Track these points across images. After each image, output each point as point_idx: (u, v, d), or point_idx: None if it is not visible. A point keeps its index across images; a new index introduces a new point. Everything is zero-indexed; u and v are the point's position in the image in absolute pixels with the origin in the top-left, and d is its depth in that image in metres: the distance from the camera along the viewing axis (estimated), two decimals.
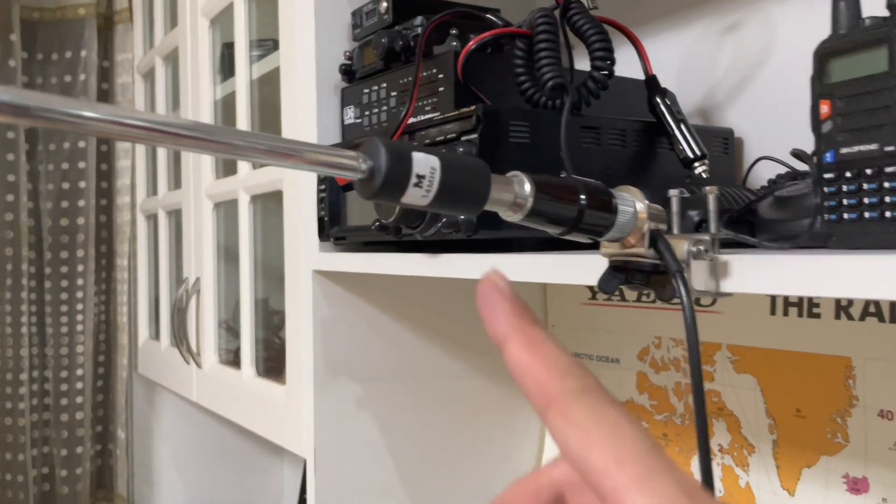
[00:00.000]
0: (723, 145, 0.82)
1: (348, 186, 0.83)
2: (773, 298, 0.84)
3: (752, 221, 0.61)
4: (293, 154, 0.35)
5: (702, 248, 0.45)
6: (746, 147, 0.84)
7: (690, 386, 0.92)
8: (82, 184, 1.59)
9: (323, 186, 0.90)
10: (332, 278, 0.94)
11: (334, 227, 0.88)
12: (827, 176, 0.50)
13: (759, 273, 0.44)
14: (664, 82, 0.77)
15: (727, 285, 0.45)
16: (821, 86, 0.51)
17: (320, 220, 0.90)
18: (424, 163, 0.36)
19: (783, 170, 0.76)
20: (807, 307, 0.80)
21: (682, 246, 0.45)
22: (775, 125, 0.82)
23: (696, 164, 0.72)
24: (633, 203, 0.44)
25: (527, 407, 1.11)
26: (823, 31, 0.78)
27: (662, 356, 0.96)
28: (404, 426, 1.00)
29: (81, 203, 1.59)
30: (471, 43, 0.71)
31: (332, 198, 0.88)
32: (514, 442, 1.10)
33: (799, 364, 0.82)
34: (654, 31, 0.94)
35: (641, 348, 0.99)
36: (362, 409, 0.97)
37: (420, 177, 0.36)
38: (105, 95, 1.63)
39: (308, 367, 0.94)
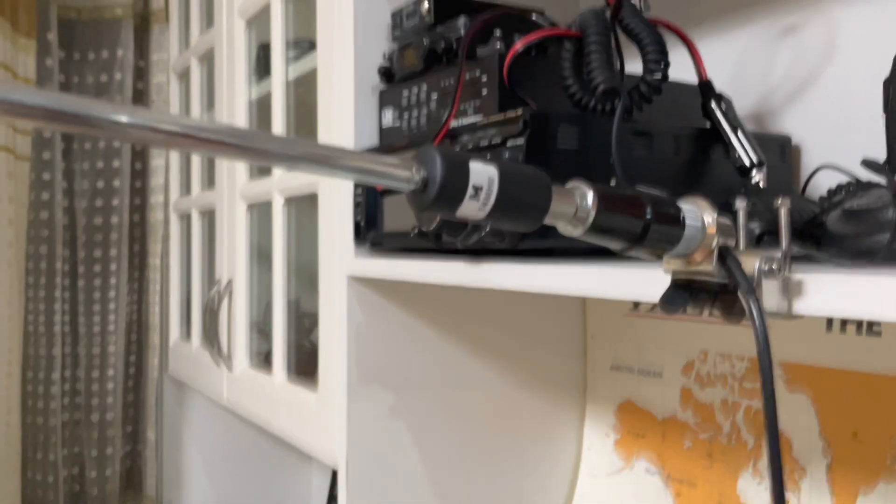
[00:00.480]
0: (779, 153, 0.78)
1: (387, 191, 0.80)
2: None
3: (818, 235, 0.57)
4: (341, 163, 0.32)
5: (774, 266, 0.41)
6: (804, 155, 0.80)
7: (740, 404, 0.89)
8: (116, 182, 1.58)
9: (360, 190, 0.87)
10: (367, 284, 0.92)
11: (370, 233, 0.86)
12: None
13: (836, 294, 0.41)
14: (717, 86, 0.73)
15: (801, 307, 0.42)
16: None
17: (356, 224, 0.88)
18: (482, 173, 0.34)
19: (844, 179, 0.72)
20: (867, 324, 0.76)
21: (752, 263, 0.42)
22: (835, 133, 0.78)
23: (754, 172, 0.69)
24: (700, 217, 0.41)
25: (564, 418, 1.08)
26: (888, 33, 0.74)
27: (709, 371, 0.92)
28: (438, 436, 0.98)
29: (115, 202, 1.59)
30: (518, 44, 0.68)
31: (368, 202, 0.86)
32: (550, 454, 1.07)
33: (856, 384, 0.77)
34: (706, 32, 0.90)
35: (686, 362, 0.95)
36: (395, 419, 0.95)
37: (477, 188, 0.33)
38: (140, 95, 1.63)
39: (341, 374, 0.92)
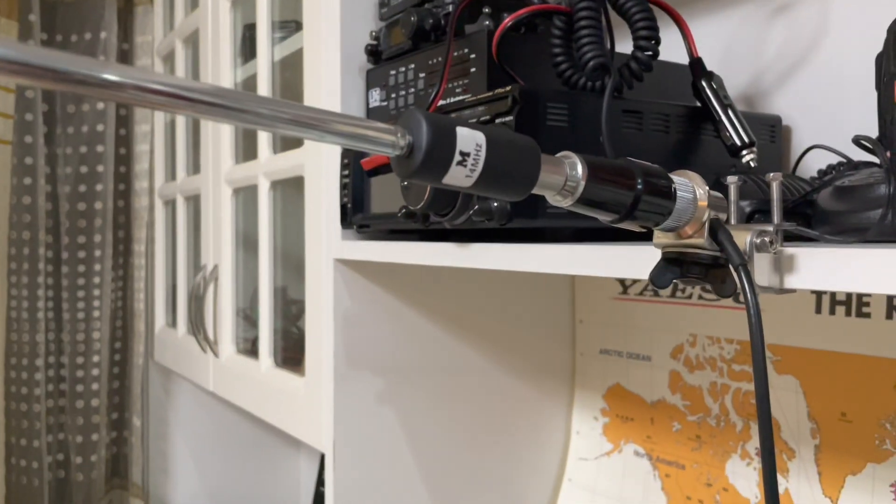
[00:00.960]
0: (769, 133, 0.77)
1: (374, 171, 0.79)
2: (820, 296, 0.79)
3: (809, 213, 0.57)
4: (324, 125, 0.31)
5: (766, 239, 0.41)
6: (795, 136, 0.80)
7: (729, 386, 0.88)
8: (100, 168, 1.56)
9: (346, 172, 0.86)
10: (355, 267, 0.91)
11: (357, 215, 0.85)
12: None
13: (828, 268, 0.40)
14: (709, 66, 0.72)
15: (793, 281, 0.41)
16: (895, 65, 0.46)
17: (343, 206, 0.86)
18: (470, 139, 0.33)
19: (835, 159, 0.72)
20: (856, 306, 0.76)
21: (744, 237, 0.41)
22: (826, 113, 0.77)
23: (744, 151, 0.68)
24: (692, 189, 0.41)
25: (553, 402, 1.08)
26: (883, 12, 0.74)
27: (697, 354, 0.92)
28: (427, 422, 0.97)
29: (99, 187, 1.57)
30: (507, 20, 0.67)
31: (355, 184, 0.85)
32: (539, 438, 1.07)
33: (845, 366, 0.77)
34: (699, 12, 0.89)
35: (675, 346, 0.95)
36: (384, 404, 0.94)
37: (464, 154, 0.32)
38: None
39: (328, 359, 0.91)
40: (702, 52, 0.74)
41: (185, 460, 1.66)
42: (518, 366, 1.04)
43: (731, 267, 0.40)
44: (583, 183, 0.36)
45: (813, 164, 0.76)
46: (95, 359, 1.57)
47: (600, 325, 1.06)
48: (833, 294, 0.78)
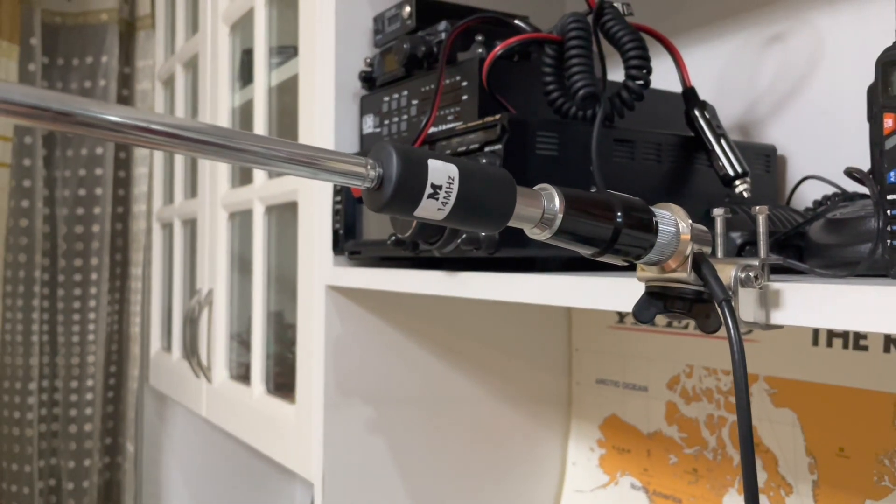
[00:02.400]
0: (765, 163, 0.77)
1: None
2: (817, 329, 0.78)
3: (801, 246, 0.56)
4: (291, 158, 0.30)
5: (751, 274, 0.40)
6: (790, 166, 0.79)
7: (725, 419, 0.87)
8: (99, 191, 1.56)
9: (339, 198, 0.85)
10: (346, 294, 0.90)
11: (349, 241, 0.84)
12: (891, 197, 0.44)
13: (815, 304, 0.39)
14: (702, 96, 0.72)
15: (779, 317, 0.40)
16: (885, 97, 0.46)
17: (335, 233, 0.86)
18: (442, 171, 0.32)
19: (830, 190, 0.71)
20: (853, 338, 0.75)
21: (728, 272, 0.40)
22: (821, 143, 0.76)
23: (738, 182, 0.67)
24: (675, 223, 0.40)
25: (549, 433, 1.06)
26: (875, 42, 0.73)
27: (694, 386, 0.91)
28: (419, 452, 0.95)
29: (97, 210, 1.57)
30: (497, 48, 0.67)
31: (347, 210, 0.84)
32: (534, 470, 1.05)
33: (843, 399, 0.76)
34: (692, 42, 0.89)
35: (672, 377, 0.94)
36: (375, 433, 0.93)
37: (436, 187, 0.32)
38: (125, 102, 1.61)
39: (318, 386, 0.90)
40: (696, 82, 0.74)
41: (178, 487, 1.64)
42: (513, 394, 1.03)
43: (715, 303, 0.39)
44: (560, 216, 0.35)
45: (809, 194, 0.75)
46: (90, 383, 1.55)
47: (597, 354, 1.05)
48: None
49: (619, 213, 0.37)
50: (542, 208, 0.35)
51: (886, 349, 0.72)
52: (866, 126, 0.61)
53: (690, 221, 0.40)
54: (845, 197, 0.62)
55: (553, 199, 0.35)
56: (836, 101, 0.75)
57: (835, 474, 0.76)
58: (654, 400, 0.96)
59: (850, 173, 0.54)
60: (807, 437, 0.79)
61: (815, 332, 0.78)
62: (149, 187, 1.62)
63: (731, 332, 0.37)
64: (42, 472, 1.53)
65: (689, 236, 0.40)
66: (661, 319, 0.95)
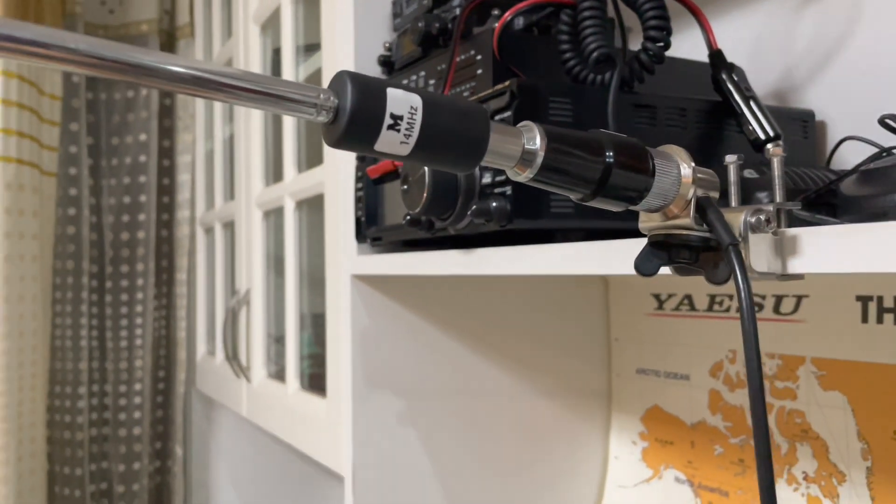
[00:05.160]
0: (802, 128, 0.72)
1: (380, 179, 0.77)
2: (866, 304, 0.73)
3: (834, 203, 0.52)
4: (240, 88, 0.29)
5: (762, 217, 0.36)
6: (830, 131, 0.74)
7: (772, 405, 0.82)
8: (143, 198, 1.59)
9: (360, 185, 0.84)
10: (372, 284, 0.88)
11: (371, 228, 0.82)
12: None
13: (837, 248, 0.35)
14: (736, 63, 0.68)
15: (796, 265, 0.37)
16: None
17: (357, 220, 0.84)
18: (402, 101, 0.30)
19: (873, 152, 0.66)
20: None
21: (738, 217, 0.37)
22: (862, 105, 0.72)
23: (770, 145, 0.63)
24: (676, 165, 0.37)
25: (589, 426, 1.02)
26: None
27: (738, 372, 0.86)
28: (451, 446, 0.93)
29: (142, 217, 1.59)
30: (507, 14, 0.64)
31: (368, 196, 0.82)
32: (574, 464, 1.01)
33: (895, 379, 0.70)
34: (722, 8, 0.85)
35: (714, 363, 0.89)
36: (405, 426, 0.90)
37: (396, 117, 0.29)
38: (167, 110, 1.64)
39: (347, 379, 0.88)
40: (729, 49, 0.70)
41: (227, 490, 1.65)
42: (550, 387, 0.99)
43: (721, 248, 0.35)
44: (541, 153, 0.32)
45: (850, 158, 0.70)
46: (138, 387, 1.58)
47: (636, 343, 1.00)
48: (881, 300, 0.72)
49: (609, 152, 0.34)
50: (521, 145, 0.33)
51: None
52: None
53: (693, 165, 0.37)
54: (882, 151, 0.58)
55: (533, 135, 0.33)
56: (875, 62, 0.70)
57: (890, 459, 0.71)
58: (696, 388, 0.92)
59: (884, 121, 0.50)
60: (858, 420, 0.73)
61: (865, 308, 0.73)
62: (192, 193, 1.64)
63: (739, 278, 0.34)
64: (93, 475, 1.56)
65: (690, 178, 0.36)
66: (701, 304, 0.91)
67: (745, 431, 0.85)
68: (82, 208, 1.52)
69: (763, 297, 0.82)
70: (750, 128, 0.64)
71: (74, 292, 1.51)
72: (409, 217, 0.68)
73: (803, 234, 0.37)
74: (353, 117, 0.28)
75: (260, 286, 1.24)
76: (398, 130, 0.29)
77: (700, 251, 0.37)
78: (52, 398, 1.50)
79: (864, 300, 0.73)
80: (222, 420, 1.66)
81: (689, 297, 0.93)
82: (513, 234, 0.62)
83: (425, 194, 0.60)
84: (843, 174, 0.52)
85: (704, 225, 0.37)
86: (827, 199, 0.52)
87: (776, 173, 0.39)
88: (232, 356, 1.29)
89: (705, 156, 0.67)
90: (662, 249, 0.38)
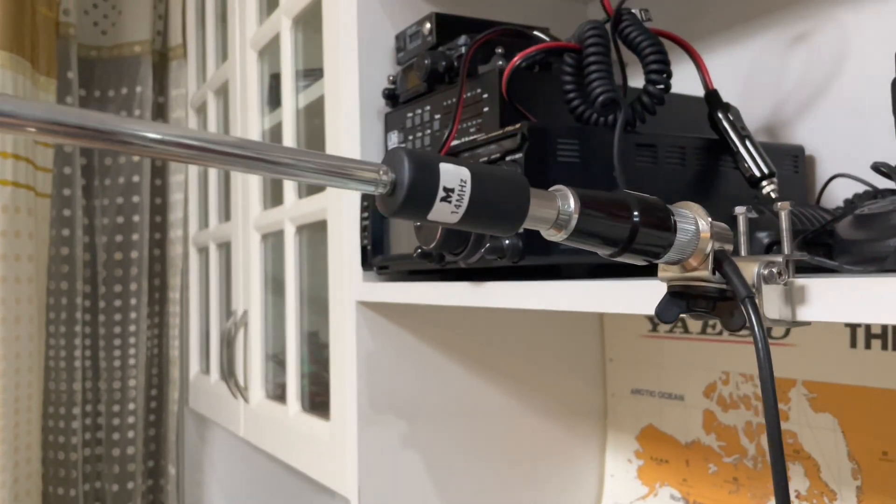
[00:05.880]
0: (793, 164, 0.76)
1: None
2: (854, 330, 0.76)
3: (830, 244, 0.55)
4: (304, 165, 0.31)
5: (774, 270, 0.39)
6: (819, 166, 0.78)
7: (765, 426, 0.85)
8: (136, 218, 1.60)
9: (366, 214, 0.86)
10: (377, 309, 0.91)
11: (377, 256, 0.85)
12: None
13: (842, 299, 0.38)
14: (728, 99, 0.71)
15: (805, 313, 0.40)
16: None
17: (363, 248, 0.86)
18: (453, 174, 0.32)
19: (861, 188, 0.69)
20: (892, 339, 0.73)
21: (751, 269, 0.40)
22: (851, 142, 0.75)
23: (764, 182, 0.66)
24: (694, 221, 0.39)
25: (585, 445, 1.05)
26: None
27: (731, 393, 0.89)
28: (453, 466, 0.95)
29: (136, 237, 1.60)
30: (516, 58, 0.67)
31: (375, 226, 0.85)
32: (571, 483, 1.04)
33: (884, 402, 0.74)
34: (714, 45, 0.88)
35: (708, 384, 0.92)
36: (409, 448, 0.93)
37: (448, 190, 0.32)
38: None
39: (352, 402, 0.90)
40: (720, 85, 0.74)
41: None
42: (548, 407, 1.02)
43: (738, 300, 0.38)
44: (576, 216, 0.35)
45: (839, 194, 0.74)
46: (131, 406, 1.58)
47: (631, 364, 1.03)
48: (868, 327, 0.75)
49: (635, 212, 0.37)
50: (556, 209, 0.35)
51: None
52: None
53: (710, 219, 0.40)
54: (875, 193, 0.61)
55: (568, 200, 0.35)
56: (864, 99, 0.74)
57: (879, 479, 0.74)
58: (691, 408, 0.95)
59: (878, 168, 0.53)
60: (849, 441, 0.77)
61: (853, 333, 0.76)
62: (184, 213, 1.65)
63: (756, 328, 0.37)
64: (87, 495, 1.56)
65: (709, 234, 0.39)
66: (694, 327, 0.94)
67: (739, 451, 0.88)
68: (76, 229, 1.53)
69: None
70: (746, 165, 0.68)
71: (68, 313, 1.52)
72: (420, 250, 0.70)
73: (811, 284, 0.40)
74: (411, 191, 0.31)
75: (258, 307, 1.25)
76: (450, 202, 0.32)
77: (717, 301, 0.40)
78: (45, 419, 1.50)
79: (852, 326, 0.76)
80: (215, 439, 1.67)
81: (682, 319, 0.97)
82: (518, 267, 0.64)
83: (439, 231, 0.62)
84: (839, 215, 0.55)
85: (721, 277, 0.39)
86: (823, 239, 0.55)
87: (784, 226, 0.42)
88: (229, 376, 1.31)
89: (703, 192, 0.70)
90: (681, 298, 0.41)
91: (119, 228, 1.60)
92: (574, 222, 0.35)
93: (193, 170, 1.65)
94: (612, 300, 0.52)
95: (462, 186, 0.32)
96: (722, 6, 0.88)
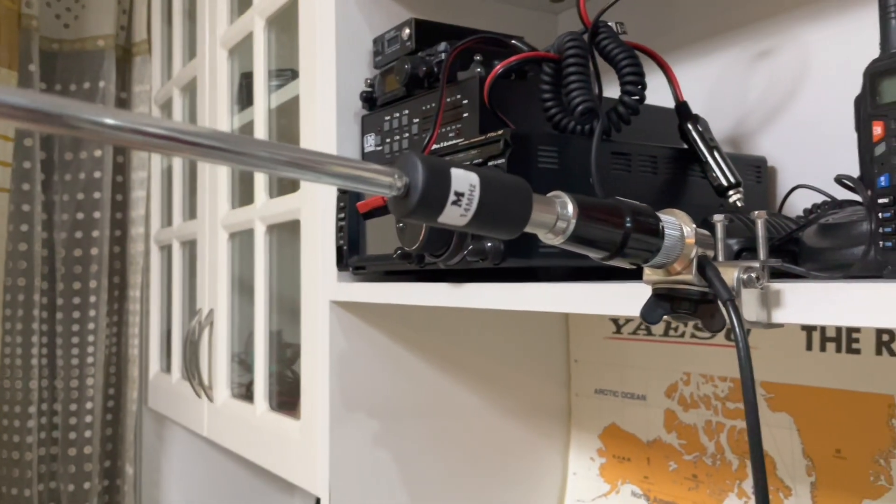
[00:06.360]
0: (755, 174, 0.79)
1: (369, 214, 0.81)
2: (810, 333, 0.80)
3: (795, 251, 0.58)
4: (322, 167, 0.32)
5: (753, 275, 0.42)
6: (780, 176, 0.82)
7: (723, 425, 0.89)
8: (97, 214, 1.57)
9: (342, 215, 0.87)
10: (350, 309, 0.92)
11: (353, 257, 0.86)
12: (882, 201, 0.47)
13: (814, 303, 0.41)
14: (695, 111, 0.75)
15: (779, 315, 0.42)
16: (872, 107, 0.48)
17: (339, 249, 0.88)
18: (464, 180, 0.34)
19: (819, 199, 0.73)
20: (846, 342, 0.77)
21: (731, 273, 0.42)
22: (810, 153, 0.79)
23: (731, 192, 0.70)
24: (679, 227, 0.42)
25: (549, 443, 1.08)
26: (860, 55, 0.76)
27: (692, 393, 0.93)
28: (422, 464, 0.97)
29: (96, 233, 1.58)
30: (499, 66, 0.69)
31: (351, 226, 0.86)
32: (536, 480, 1.06)
33: (838, 402, 0.78)
34: (683, 58, 0.92)
35: (669, 384, 0.96)
36: (380, 447, 0.94)
37: (459, 195, 0.34)
38: None
39: (324, 401, 0.91)
40: (688, 96, 0.77)
41: None
42: (514, 406, 1.04)
43: (719, 302, 0.41)
44: (573, 221, 0.37)
45: (798, 203, 0.77)
46: (89, 405, 1.56)
47: (595, 365, 1.06)
48: (823, 330, 0.79)
49: (627, 219, 0.39)
50: (556, 214, 0.37)
51: (878, 352, 0.74)
52: (852, 136, 0.64)
53: (694, 226, 0.42)
54: (835, 204, 0.65)
55: (567, 206, 0.37)
56: (822, 114, 0.78)
57: (832, 475, 0.78)
58: (652, 408, 0.98)
59: (841, 180, 0.56)
60: (804, 439, 0.81)
61: (809, 336, 0.80)
62: (146, 210, 1.63)
63: (737, 329, 0.39)
64: (42, 496, 1.53)
65: (693, 240, 0.42)
66: (657, 329, 0.97)
67: (698, 449, 0.92)
68: (34, 224, 1.50)
69: None
70: (714, 174, 0.71)
71: (25, 310, 1.49)
72: (400, 251, 0.72)
73: (786, 289, 0.42)
74: (424, 195, 0.33)
75: (224, 307, 1.25)
76: (459, 205, 0.33)
77: (699, 303, 0.42)
78: (0, 418, 1.47)
79: (808, 330, 0.80)
80: (174, 438, 1.65)
81: (663, 318, 1.00)
82: (496, 269, 0.66)
83: (423, 233, 0.64)
84: (804, 224, 0.58)
85: (703, 280, 0.42)
86: (788, 246, 0.58)
87: (760, 233, 0.44)
88: (192, 375, 1.30)
89: (673, 198, 0.73)
90: (665, 301, 0.43)
91: (79, 225, 1.58)
92: (572, 227, 0.37)
93: (156, 166, 1.64)
94: (595, 302, 0.54)
95: (472, 191, 0.34)
96: (691, 21, 0.91)
